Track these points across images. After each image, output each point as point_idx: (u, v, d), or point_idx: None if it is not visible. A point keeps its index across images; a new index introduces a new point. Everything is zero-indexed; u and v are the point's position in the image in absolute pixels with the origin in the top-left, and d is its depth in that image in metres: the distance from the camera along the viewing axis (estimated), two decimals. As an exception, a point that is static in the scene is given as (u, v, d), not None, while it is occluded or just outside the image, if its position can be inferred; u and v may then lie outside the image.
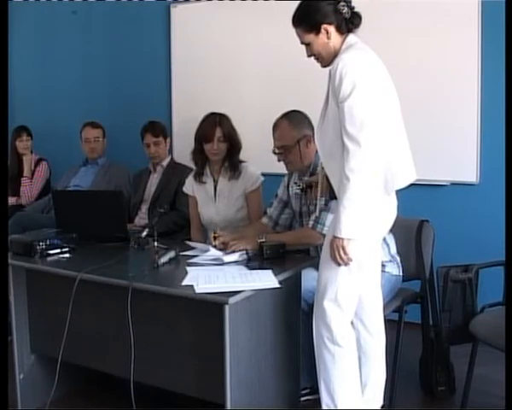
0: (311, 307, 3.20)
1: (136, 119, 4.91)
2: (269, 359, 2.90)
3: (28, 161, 5.50)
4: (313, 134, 3.21)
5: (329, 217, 3.18)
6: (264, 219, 3.68)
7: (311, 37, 2.77)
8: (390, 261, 3.38)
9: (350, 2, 2.79)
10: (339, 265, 2.68)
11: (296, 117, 3.45)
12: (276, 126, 3.47)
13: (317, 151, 3.18)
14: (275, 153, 3.45)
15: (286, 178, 3.64)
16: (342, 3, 2.74)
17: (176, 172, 4.52)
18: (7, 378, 2.56)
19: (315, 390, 3.22)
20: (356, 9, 2.80)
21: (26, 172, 5.46)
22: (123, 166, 5.11)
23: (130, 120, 5.33)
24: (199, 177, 3.93)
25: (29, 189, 5.40)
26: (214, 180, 3.91)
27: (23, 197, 5.38)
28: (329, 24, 2.74)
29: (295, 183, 3.51)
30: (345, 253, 2.63)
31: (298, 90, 4.55)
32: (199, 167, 3.92)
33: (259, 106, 4.83)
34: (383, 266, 3.38)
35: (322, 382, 2.84)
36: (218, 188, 3.89)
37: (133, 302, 2.72)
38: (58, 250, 3.27)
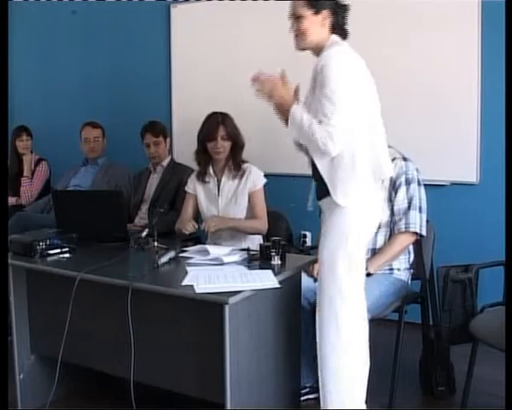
0: (312, 305, 3.21)
1: (136, 118, 4.90)
2: (269, 358, 2.90)
3: (28, 161, 5.50)
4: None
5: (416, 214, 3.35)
6: None
7: (307, 13, 2.82)
8: (407, 269, 3.42)
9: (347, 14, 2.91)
10: None
11: None
12: None
13: None
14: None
15: None
16: (343, 10, 2.87)
17: (176, 171, 4.52)
18: (7, 378, 2.56)
19: (316, 389, 3.23)
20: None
21: (26, 172, 5.46)
22: (123, 166, 5.11)
23: (130, 120, 5.33)
24: (202, 176, 3.92)
25: (29, 189, 5.40)
26: (218, 180, 3.90)
27: (23, 197, 5.38)
28: (330, 14, 2.83)
29: None
30: None
31: (300, 91, 4.53)
32: (202, 167, 3.91)
33: (260, 106, 4.81)
34: (392, 269, 3.41)
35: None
36: (221, 187, 3.88)
37: (133, 302, 2.72)
38: (58, 250, 3.27)
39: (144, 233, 3.36)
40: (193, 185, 3.97)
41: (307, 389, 3.38)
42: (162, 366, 2.89)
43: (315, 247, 3.94)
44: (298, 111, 2.77)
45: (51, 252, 3.25)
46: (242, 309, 2.66)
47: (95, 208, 3.54)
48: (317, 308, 2.89)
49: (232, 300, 2.55)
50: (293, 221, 4.08)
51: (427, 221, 3.48)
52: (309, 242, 4.72)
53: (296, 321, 3.12)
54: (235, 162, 3.86)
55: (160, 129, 4.67)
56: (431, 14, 4.18)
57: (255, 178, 3.85)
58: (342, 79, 2.67)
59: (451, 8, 4.17)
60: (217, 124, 3.79)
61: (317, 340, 2.86)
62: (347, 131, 2.68)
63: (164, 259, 3.03)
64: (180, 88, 5.36)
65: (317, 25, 2.82)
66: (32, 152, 5.56)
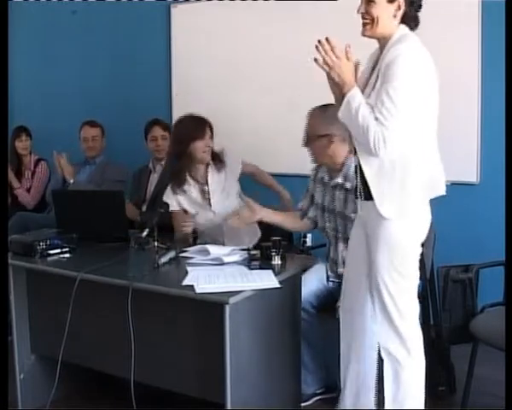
0: (317, 308, 3.22)
1: (137, 119, 4.92)
2: (269, 359, 2.90)
3: (27, 162, 5.50)
4: (340, 138, 3.18)
5: None
6: (297, 212, 3.61)
7: None
8: None
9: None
10: None
11: (331, 113, 3.06)
12: (309, 115, 3.32)
13: (349, 153, 3.17)
14: (303, 145, 3.35)
15: (313, 172, 3.52)
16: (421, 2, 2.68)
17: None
18: (7, 378, 2.56)
19: (325, 390, 3.25)
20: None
21: (26, 172, 5.46)
22: (120, 165, 5.09)
23: (130, 120, 5.34)
24: (180, 186, 3.76)
25: (30, 189, 5.41)
26: (200, 183, 3.80)
27: (23, 197, 5.38)
28: (405, 4, 2.60)
29: (322, 177, 3.41)
30: None
31: (300, 91, 4.53)
32: (181, 174, 3.75)
33: (261, 107, 4.83)
34: None
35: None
36: (210, 188, 3.79)
37: (133, 302, 2.73)
38: (58, 250, 3.27)
39: (144, 233, 3.35)
40: (174, 201, 3.78)
41: (320, 390, 3.40)
42: (162, 366, 2.89)
43: (315, 247, 3.96)
44: (357, 97, 2.55)
45: (51, 252, 3.25)
46: (243, 309, 2.66)
47: (95, 208, 3.54)
48: (341, 309, 2.88)
49: (232, 300, 2.55)
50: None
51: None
52: (309, 242, 4.71)
53: (296, 321, 3.12)
54: (216, 156, 3.80)
55: (167, 125, 4.68)
56: (431, 14, 4.17)
57: (235, 159, 3.85)
58: (409, 79, 2.48)
59: (451, 9, 4.17)
60: (204, 123, 3.72)
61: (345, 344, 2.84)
62: (403, 137, 2.51)
63: (164, 259, 3.03)
64: (180, 88, 5.36)
65: (389, 14, 2.60)
66: (31, 153, 5.56)
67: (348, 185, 3.20)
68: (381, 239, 2.62)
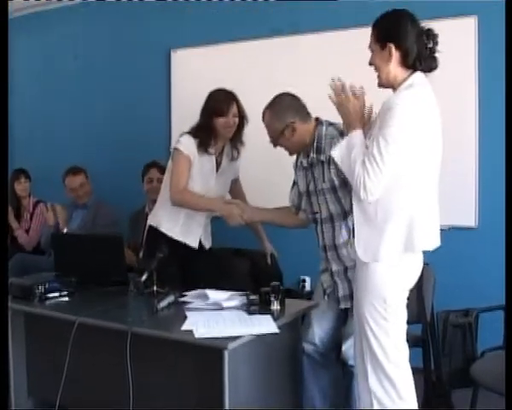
0: (319, 353, 3.20)
1: (137, 159, 4.95)
2: (269, 404, 2.88)
3: (26, 203, 5.52)
4: (300, 118, 3.18)
5: None
6: (290, 205, 3.56)
7: (376, 46, 2.65)
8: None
9: (435, 42, 2.65)
10: None
11: (279, 104, 3.26)
12: (262, 118, 3.33)
13: (316, 126, 3.18)
14: (270, 142, 3.34)
15: (295, 161, 3.46)
16: (424, 38, 2.61)
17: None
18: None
19: None
20: (436, 53, 2.66)
21: (25, 214, 5.48)
22: (111, 207, 5.09)
23: (130, 161, 5.34)
24: (205, 147, 3.68)
25: (29, 231, 5.42)
26: (216, 158, 3.76)
27: (22, 239, 5.39)
28: (397, 48, 2.60)
29: (301, 162, 3.34)
30: None
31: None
32: (205, 139, 3.68)
33: (261, 146, 4.84)
34: None
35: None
36: (221, 165, 3.78)
37: (132, 347, 2.71)
38: (57, 294, 3.28)
39: (143, 277, 3.34)
40: (192, 150, 3.68)
41: None
42: (162, 411, 2.87)
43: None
44: (354, 139, 2.62)
45: (50, 295, 3.25)
46: (242, 354, 2.65)
47: (94, 252, 3.54)
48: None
49: (231, 345, 2.54)
50: (292, 266, 4.08)
51: (427, 264, 3.48)
52: (308, 286, 4.71)
53: (295, 366, 3.11)
54: (239, 141, 3.80)
55: (164, 168, 4.71)
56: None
57: (237, 166, 3.86)
58: (401, 130, 2.49)
59: (447, 48, 4.21)
60: (230, 100, 3.69)
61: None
62: (388, 185, 2.53)
63: (163, 303, 3.02)
64: (180, 130, 5.38)
65: (384, 60, 2.62)
66: (30, 194, 5.58)
67: (322, 158, 3.16)
68: (361, 281, 2.67)
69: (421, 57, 2.63)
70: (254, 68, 4.92)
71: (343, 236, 3.15)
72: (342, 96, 2.71)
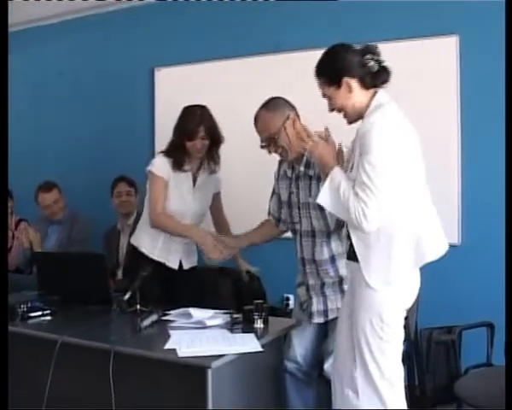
0: (301, 371, 3.19)
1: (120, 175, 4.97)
2: (252, 423, 2.87)
3: (9, 222, 5.48)
4: (296, 114, 3.17)
5: None
6: (270, 217, 3.53)
7: (331, 90, 2.66)
8: None
9: (378, 54, 2.68)
10: None
11: (275, 101, 3.23)
12: (256, 120, 3.23)
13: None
14: (263, 147, 3.23)
15: (276, 170, 3.44)
16: (369, 55, 2.65)
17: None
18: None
19: None
20: (385, 63, 2.68)
21: (8, 232, 5.44)
22: (86, 220, 5.06)
23: (111, 177, 5.34)
24: (179, 166, 3.67)
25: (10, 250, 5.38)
26: (192, 174, 3.74)
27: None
28: (352, 77, 2.62)
29: (284, 171, 3.32)
30: None
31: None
32: (178, 158, 3.66)
33: (246, 167, 4.85)
34: None
35: None
36: (197, 183, 3.75)
37: (115, 366, 2.70)
38: (39, 313, 3.26)
39: (127, 296, 3.32)
40: (166, 171, 3.67)
41: None
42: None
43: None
44: (337, 176, 2.60)
45: (32, 315, 3.23)
46: (225, 373, 2.65)
47: (77, 270, 3.52)
48: (332, 374, 2.83)
49: (215, 364, 2.54)
50: (275, 284, 4.06)
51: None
52: (292, 304, 4.70)
53: (279, 384, 3.10)
54: (213, 158, 3.77)
55: (132, 181, 4.71)
56: (407, 86, 4.25)
57: (218, 179, 3.85)
58: (383, 149, 2.48)
59: (430, 82, 4.24)
60: (198, 123, 3.62)
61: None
62: (386, 208, 2.50)
63: (146, 322, 3.01)
64: (162, 148, 5.39)
65: (346, 95, 2.64)
66: (12, 213, 5.53)
67: (311, 172, 3.14)
68: (364, 304, 2.61)
69: (376, 73, 2.65)
70: (238, 86, 4.94)
71: (324, 253, 3.15)
72: (310, 143, 2.74)
